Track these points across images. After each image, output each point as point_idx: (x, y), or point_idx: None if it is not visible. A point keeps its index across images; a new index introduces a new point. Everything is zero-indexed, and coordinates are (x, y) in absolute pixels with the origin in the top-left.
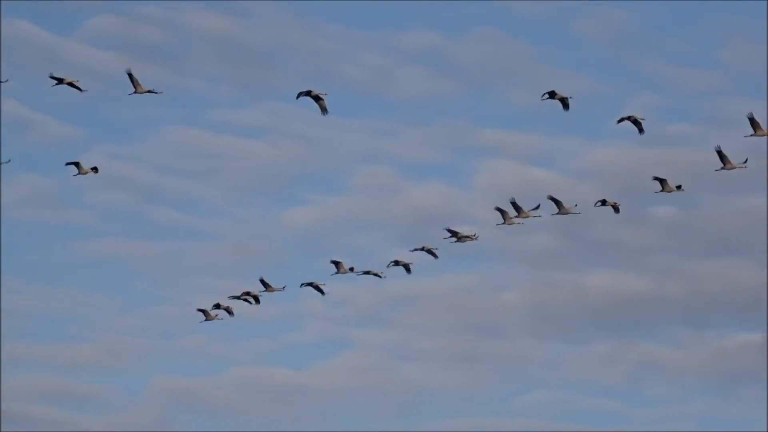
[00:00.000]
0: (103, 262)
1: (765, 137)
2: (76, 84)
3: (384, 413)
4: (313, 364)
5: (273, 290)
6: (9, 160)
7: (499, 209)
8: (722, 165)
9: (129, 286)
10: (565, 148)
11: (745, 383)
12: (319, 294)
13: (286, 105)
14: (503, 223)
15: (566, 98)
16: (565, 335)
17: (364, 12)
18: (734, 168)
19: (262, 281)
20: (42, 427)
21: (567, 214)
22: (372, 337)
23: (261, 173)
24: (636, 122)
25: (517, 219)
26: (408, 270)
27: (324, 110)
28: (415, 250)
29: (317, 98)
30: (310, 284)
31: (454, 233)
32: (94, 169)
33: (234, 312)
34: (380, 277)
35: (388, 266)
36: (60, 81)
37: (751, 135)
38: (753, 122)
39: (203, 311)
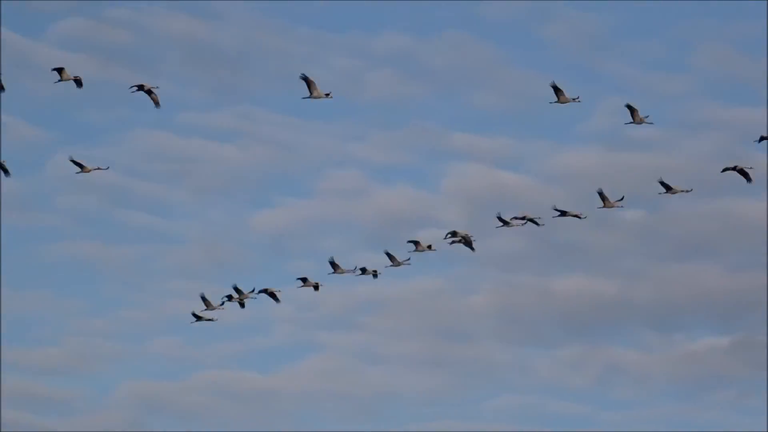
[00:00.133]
0: (72, 265)
1: None
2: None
3: (352, 417)
4: (281, 368)
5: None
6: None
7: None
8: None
9: (98, 289)
10: (533, 151)
11: (713, 387)
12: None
13: (255, 108)
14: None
15: (574, 99)
16: (533, 339)
17: (333, 14)
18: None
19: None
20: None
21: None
22: (340, 340)
23: (230, 176)
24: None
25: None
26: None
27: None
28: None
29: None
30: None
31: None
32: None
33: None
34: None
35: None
36: (60, 72)
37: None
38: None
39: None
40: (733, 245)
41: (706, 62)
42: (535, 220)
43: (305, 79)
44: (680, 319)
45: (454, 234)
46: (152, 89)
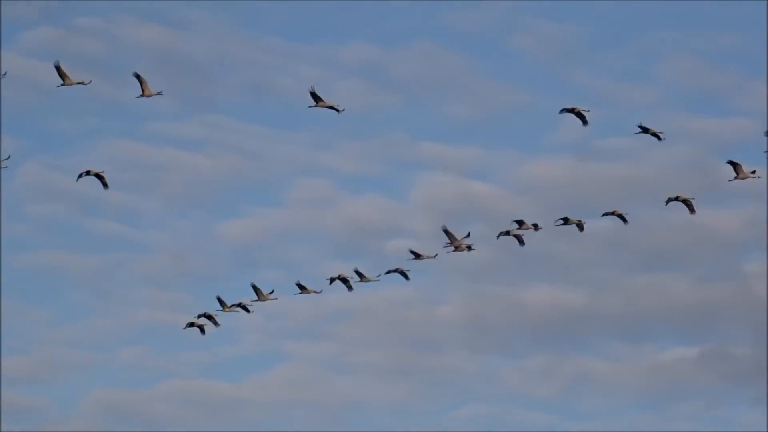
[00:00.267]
0: (40, 274)
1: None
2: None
3: (320, 426)
4: (249, 377)
5: (266, 298)
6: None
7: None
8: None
9: (66, 298)
10: (502, 161)
11: (682, 398)
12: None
13: (224, 117)
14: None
15: (582, 112)
16: (501, 349)
17: (302, 25)
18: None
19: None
20: None
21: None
22: (308, 350)
23: (199, 185)
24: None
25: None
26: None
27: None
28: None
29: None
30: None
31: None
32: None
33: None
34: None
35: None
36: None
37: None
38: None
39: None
40: (701, 256)
41: (675, 73)
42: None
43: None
44: (649, 329)
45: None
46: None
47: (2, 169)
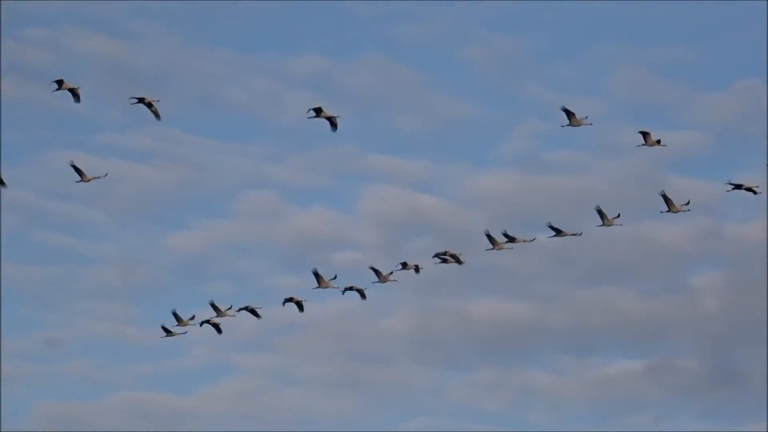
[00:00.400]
0: None
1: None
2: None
3: None
4: (196, 389)
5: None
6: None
7: (487, 235)
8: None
9: (13, 310)
10: (450, 174)
11: (628, 411)
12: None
13: (172, 129)
14: (492, 249)
15: (583, 120)
16: (449, 362)
17: (251, 36)
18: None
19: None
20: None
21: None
22: (255, 362)
23: (146, 197)
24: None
25: (507, 245)
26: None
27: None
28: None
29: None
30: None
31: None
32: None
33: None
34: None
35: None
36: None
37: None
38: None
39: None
40: (648, 270)
41: (624, 86)
42: (527, 240)
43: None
44: (596, 343)
45: (444, 254)
46: (152, 102)
47: None
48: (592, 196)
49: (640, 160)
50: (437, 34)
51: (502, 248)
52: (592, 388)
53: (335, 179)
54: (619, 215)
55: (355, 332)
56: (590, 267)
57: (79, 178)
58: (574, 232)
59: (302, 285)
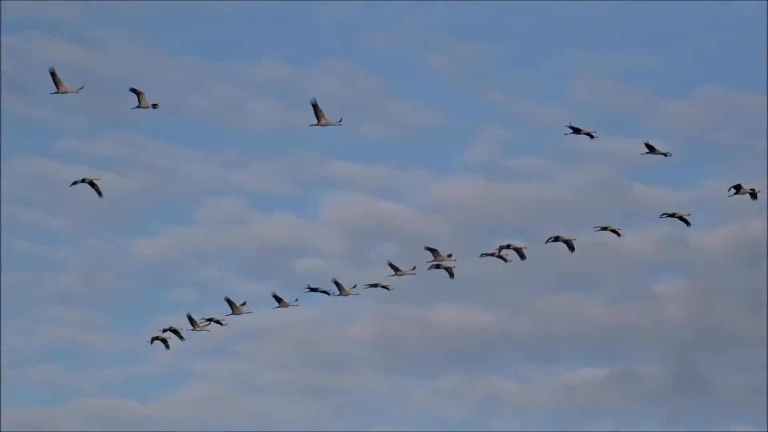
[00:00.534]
0: None
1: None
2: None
3: None
4: (158, 396)
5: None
6: None
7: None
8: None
9: None
10: (413, 181)
11: (591, 418)
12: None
13: (135, 135)
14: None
15: (591, 133)
16: (412, 368)
17: (215, 43)
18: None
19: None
20: None
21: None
22: (217, 369)
23: (110, 204)
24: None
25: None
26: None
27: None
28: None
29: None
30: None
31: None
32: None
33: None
34: (388, 289)
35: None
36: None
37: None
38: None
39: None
40: (612, 277)
41: (587, 93)
42: (521, 249)
43: (315, 105)
44: (559, 350)
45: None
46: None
47: None
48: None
49: (603, 168)
50: (400, 41)
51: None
52: (556, 395)
53: (299, 186)
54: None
55: (318, 339)
56: (553, 274)
57: (55, 89)
58: (570, 238)
59: (265, 292)
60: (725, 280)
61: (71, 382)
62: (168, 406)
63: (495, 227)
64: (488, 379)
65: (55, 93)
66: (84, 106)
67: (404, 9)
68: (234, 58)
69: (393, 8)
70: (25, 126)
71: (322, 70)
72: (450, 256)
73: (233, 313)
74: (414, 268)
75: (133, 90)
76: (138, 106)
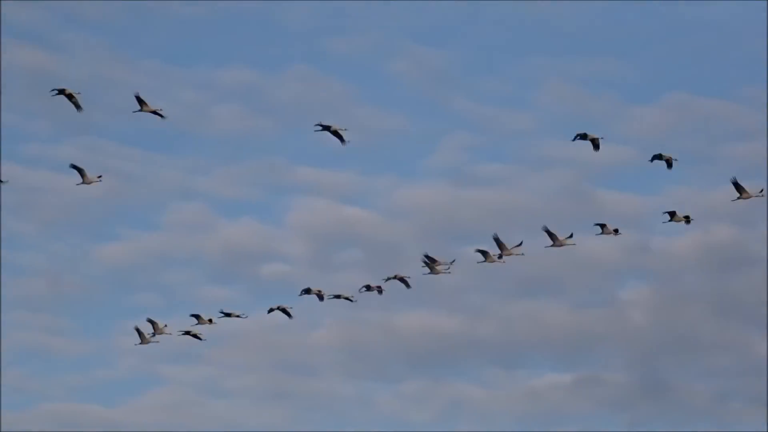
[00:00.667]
0: None
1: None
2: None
3: None
4: (123, 401)
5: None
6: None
7: (479, 250)
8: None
9: None
10: (378, 186)
11: (556, 423)
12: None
13: (100, 140)
14: (484, 261)
15: (597, 139)
16: (377, 373)
17: (180, 48)
18: (563, 244)
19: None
20: None
21: (561, 246)
22: (183, 373)
23: (74, 208)
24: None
25: (499, 257)
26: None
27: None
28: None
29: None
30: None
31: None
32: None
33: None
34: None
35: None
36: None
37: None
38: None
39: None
40: (577, 283)
41: (551, 99)
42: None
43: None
44: (523, 355)
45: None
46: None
47: None
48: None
49: (568, 173)
50: (365, 46)
51: (494, 261)
52: (520, 401)
53: (263, 191)
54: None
55: (284, 344)
56: (518, 280)
57: (80, 180)
58: (568, 242)
59: (230, 297)
60: (690, 286)
61: (36, 386)
62: (133, 411)
63: (460, 233)
64: (453, 384)
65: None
66: (48, 111)
67: (369, 15)
68: (199, 63)
69: (358, 14)
70: None
71: (286, 76)
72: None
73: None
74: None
75: (137, 97)
76: (140, 110)
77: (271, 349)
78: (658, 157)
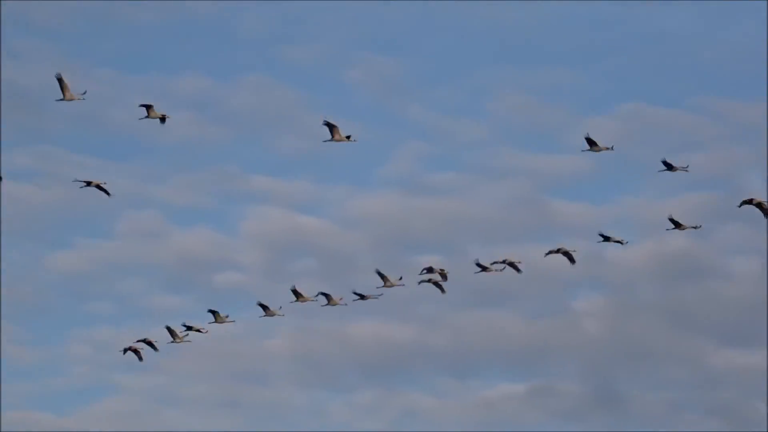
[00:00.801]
0: None
1: None
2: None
3: None
4: (77, 409)
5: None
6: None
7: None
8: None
9: None
10: (332, 195)
11: None
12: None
13: (54, 148)
14: (481, 272)
15: (570, 252)
16: (329, 383)
17: (134, 56)
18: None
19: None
20: None
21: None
22: (136, 382)
23: (28, 216)
24: (567, 254)
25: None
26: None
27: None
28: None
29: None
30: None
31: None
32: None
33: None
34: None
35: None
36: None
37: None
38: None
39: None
40: (530, 293)
41: (506, 109)
42: (516, 264)
43: (328, 124)
44: (476, 365)
45: (429, 270)
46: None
47: None
48: (472, 218)
49: (522, 183)
50: (320, 55)
51: (491, 271)
52: (473, 411)
53: (217, 200)
54: (401, 277)
55: (237, 353)
56: (471, 289)
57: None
58: (568, 250)
59: (184, 306)
60: (643, 297)
61: None
62: (86, 419)
63: (414, 242)
64: (405, 393)
65: (61, 100)
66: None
67: (324, 23)
68: (153, 72)
69: (312, 22)
70: None
71: (241, 84)
72: (443, 270)
73: (215, 322)
74: (401, 278)
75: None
76: (147, 116)
77: (224, 357)
78: (669, 166)
